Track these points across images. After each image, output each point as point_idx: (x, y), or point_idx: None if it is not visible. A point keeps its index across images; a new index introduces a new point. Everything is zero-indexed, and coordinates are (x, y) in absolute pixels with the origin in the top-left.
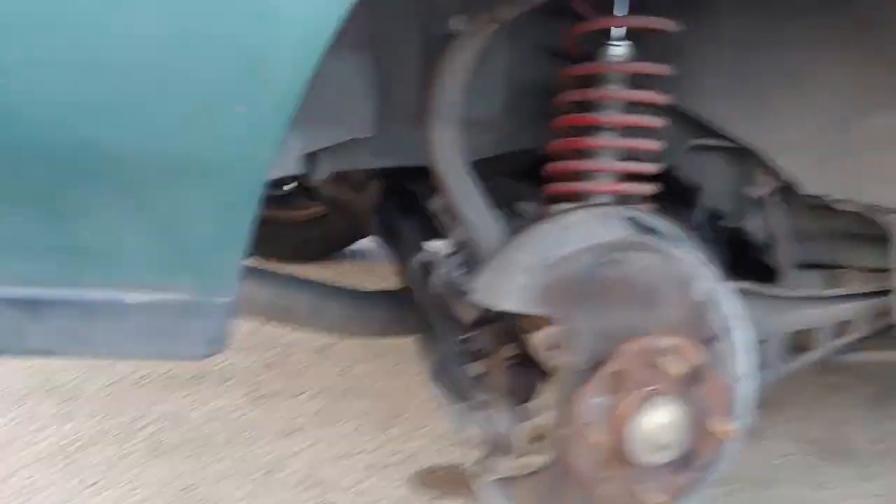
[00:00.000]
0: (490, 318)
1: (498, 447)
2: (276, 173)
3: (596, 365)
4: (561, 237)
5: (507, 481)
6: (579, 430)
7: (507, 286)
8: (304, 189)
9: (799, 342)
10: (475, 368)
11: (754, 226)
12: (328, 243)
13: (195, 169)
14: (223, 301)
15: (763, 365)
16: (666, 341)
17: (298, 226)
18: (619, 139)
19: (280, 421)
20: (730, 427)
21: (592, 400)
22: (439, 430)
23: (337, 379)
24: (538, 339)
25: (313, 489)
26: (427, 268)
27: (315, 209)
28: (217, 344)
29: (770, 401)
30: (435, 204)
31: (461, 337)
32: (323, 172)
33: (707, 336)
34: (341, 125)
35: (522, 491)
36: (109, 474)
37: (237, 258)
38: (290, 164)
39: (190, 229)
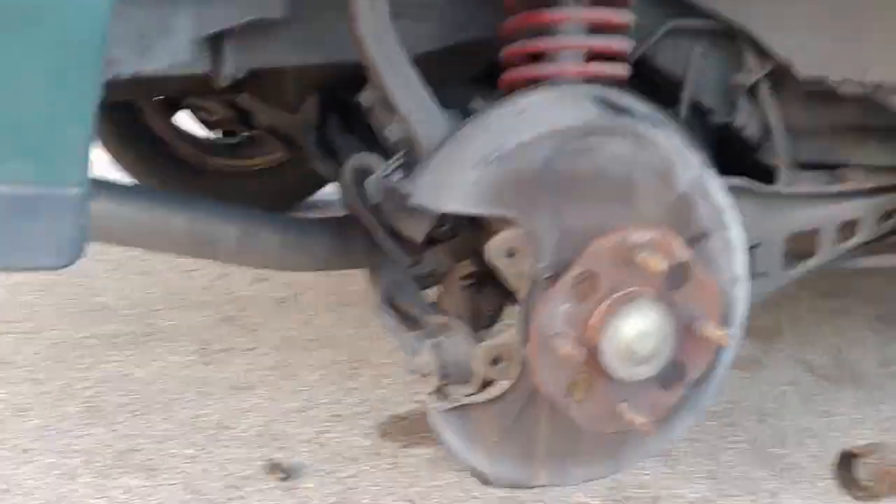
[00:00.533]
0: (442, 235)
1: (455, 374)
2: (164, 60)
3: (563, 270)
4: (516, 123)
5: (465, 410)
6: (546, 344)
7: (454, 184)
8: (253, 138)
9: (800, 247)
10: (428, 292)
11: (746, 120)
12: (288, 193)
13: (22, 15)
14: (71, 194)
15: (760, 272)
16: (642, 235)
17: (252, 176)
18: (586, 10)
19: (234, 376)
20: (723, 333)
21: (560, 308)
22: (407, 377)
23: (297, 331)
24: (494, 246)
25: (270, 444)
26: (361, 176)
27: (270, 157)
28: (72, 249)
29: (769, 327)
30: (366, 97)
31: (411, 258)
32: (230, 68)
33: (695, 233)
34: (242, 1)
35: (483, 420)
36: (45, 439)
37: (83, 139)
38: (180, 50)
39: (20, 100)
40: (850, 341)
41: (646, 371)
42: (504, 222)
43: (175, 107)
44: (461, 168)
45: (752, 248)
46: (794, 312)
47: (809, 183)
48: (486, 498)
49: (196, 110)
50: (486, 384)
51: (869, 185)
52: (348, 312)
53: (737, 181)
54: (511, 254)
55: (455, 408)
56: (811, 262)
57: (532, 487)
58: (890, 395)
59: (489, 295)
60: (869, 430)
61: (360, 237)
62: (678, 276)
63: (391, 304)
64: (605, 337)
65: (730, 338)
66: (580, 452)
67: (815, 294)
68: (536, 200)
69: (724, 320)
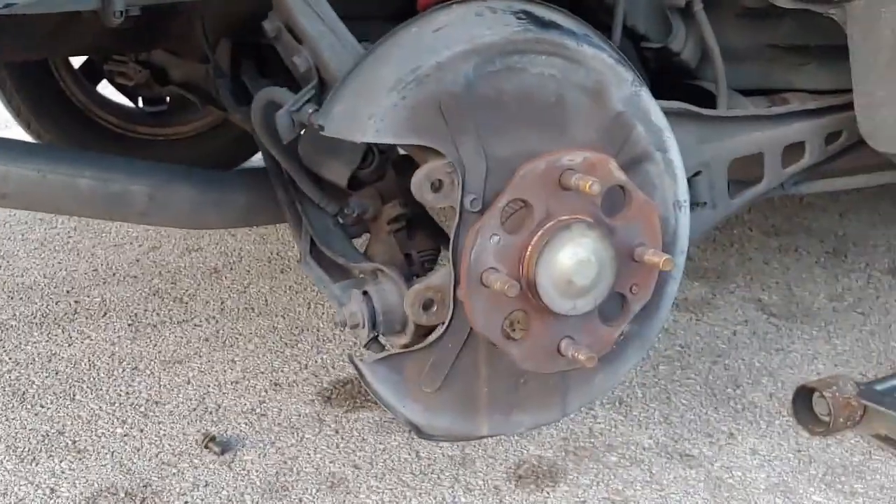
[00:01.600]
0: (368, 177)
1: (387, 323)
2: None
3: (493, 199)
4: (433, 42)
5: (395, 359)
6: (478, 280)
7: (368, 112)
8: (181, 104)
9: (745, 173)
10: (355, 239)
11: (682, 44)
12: (224, 157)
13: None
14: None
15: (705, 201)
16: (575, 157)
17: (184, 144)
18: None
19: (166, 350)
20: (666, 257)
21: (491, 241)
22: (349, 340)
23: (232, 300)
24: (418, 179)
25: (205, 417)
26: (271, 112)
27: (200, 122)
28: None
29: (718, 268)
30: (270, 22)
31: (336, 205)
32: (120, 4)
33: (633, 155)
34: None
35: (416, 369)
36: None
37: None
38: None
39: None
40: (801, 278)
41: (586, 304)
42: (427, 153)
43: (98, 74)
44: (376, 94)
45: (695, 175)
46: (742, 252)
47: (750, 107)
48: (435, 458)
49: (114, 77)
50: (423, 334)
51: (812, 105)
52: (285, 279)
53: (674, 104)
54: (437, 187)
55: (384, 358)
56: (758, 188)
57: (475, 439)
58: (842, 329)
59: (421, 239)
60: (823, 366)
61: (281, 189)
62: (616, 200)
63: (317, 255)
64: (541, 268)
65: (674, 266)
66: (524, 399)
67: (763, 233)
68: (459, 127)
69: (668, 248)
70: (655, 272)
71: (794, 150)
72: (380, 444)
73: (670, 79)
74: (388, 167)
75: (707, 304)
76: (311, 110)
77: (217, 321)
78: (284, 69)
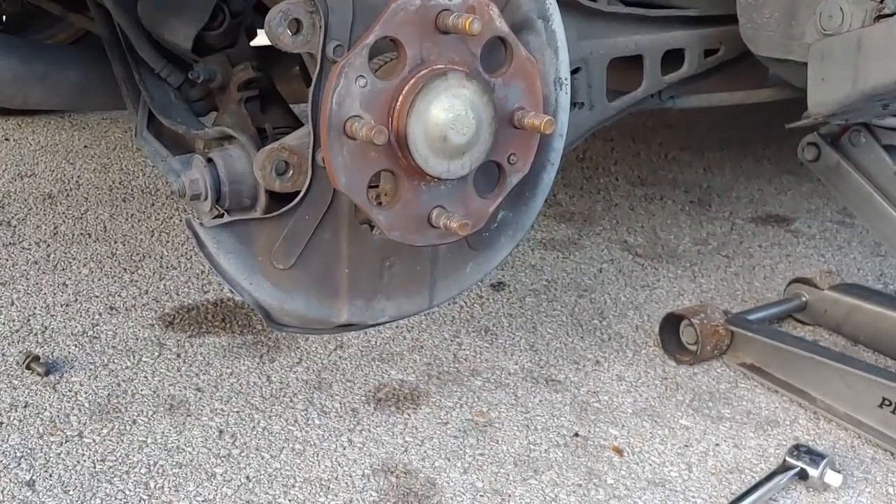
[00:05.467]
0: (217, 41)
1: (234, 193)
2: None
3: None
4: None
5: (242, 226)
6: (341, 129)
7: None
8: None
9: (624, 78)
10: (202, 118)
11: None
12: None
13: None
14: None
15: (583, 101)
16: None
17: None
18: None
19: None
20: (547, 119)
21: (355, 85)
22: (196, 267)
23: (67, 226)
24: (273, 16)
25: (31, 338)
26: None
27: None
28: None
29: (584, 212)
30: None
31: (178, 75)
32: None
33: (514, 19)
34: None
35: (267, 240)
36: None
37: None
38: None
39: None
40: (666, 224)
41: (461, 167)
42: None
43: None
44: None
45: (574, 73)
46: (609, 199)
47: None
48: (288, 382)
49: None
50: (276, 209)
51: (693, 12)
52: (127, 207)
53: None
54: (296, 28)
55: (228, 223)
56: (636, 93)
57: (332, 328)
58: (706, 269)
59: (277, 114)
60: (689, 302)
61: (118, 62)
62: (495, 58)
63: (156, 130)
64: (413, 120)
65: (551, 124)
66: (389, 284)
67: (630, 183)
68: None
69: (547, 108)
70: (535, 141)
71: (674, 62)
72: (227, 368)
73: None
74: (240, 32)
75: (574, 244)
76: None
77: (48, 245)
78: None
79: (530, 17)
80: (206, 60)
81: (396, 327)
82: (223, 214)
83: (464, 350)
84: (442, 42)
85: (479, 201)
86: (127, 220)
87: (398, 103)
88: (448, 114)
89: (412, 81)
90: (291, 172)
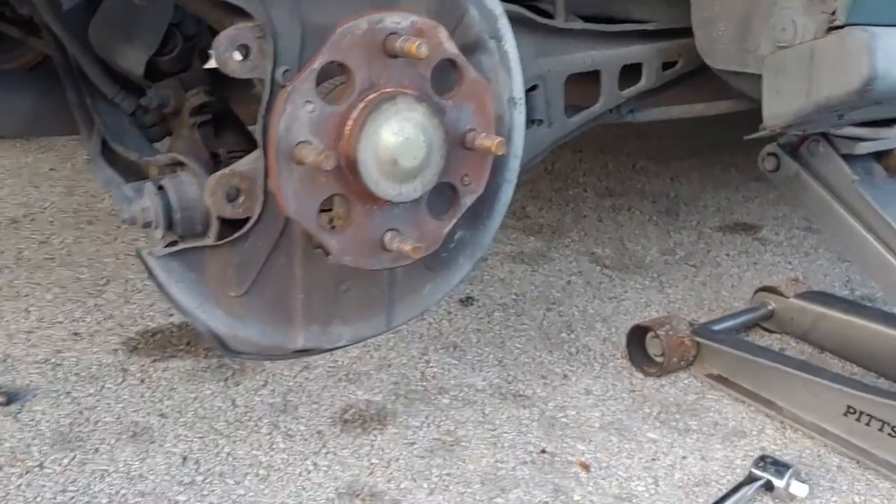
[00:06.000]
0: (170, 66)
1: (186, 221)
2: None
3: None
4: None
5: (194, 255)
6: (289, 154)
7: None
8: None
9: (583, 93)
10: (156, 143)
11: None
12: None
13: None
14: None
15: (541, 118)
16: (402, 20)
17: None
18: None
19: None
20: (498, 140)
21: (304, 110)
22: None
23: (31, 251)
24: (220, 42)
25: None
26: None
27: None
28: None
29: (554, 225)
30: None
31: (131, 100)
32: None
33: (468, 40)
34: None
35: (220, 268)
36: None
37: None
38: None
39: None
40: (634, 234)
41: (413, 190)
42: (233, 13)
43: None
44: None
45: (531, 90)
46: (577, 210)
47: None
48: (253, 405)
49: None
50: (229, 235)
51: (650, 26)
52: (93, 230)
53: (512, 7)
54: (244, 53)
55: (179, 251)
56: (594, 109)
57: (289, 354)
58: (674, 279)
59: (231, 138)
60: (656, 312)
61: (71, 87)
62: (446, 80)
63: (109, 157)
64: (363, 144)
65: (507, 149)
66: (346, 308)
67: (598, 194)
68: None
69: (499, 129)
70: (488, 162)
71: (632, 76)
72: (191, 392)
73: None
74: (193, 56)
75: (542, 257)
76: None
77: (11, 271)
78: None
79: (482, 38)
80: (158, 86)
81: (364, 346)
82: (177, 241)
83: (432, 367)
84: (391, 65)
85: (434, 223)
86: (92, 243)
87: (347, 128)
88: (398, 137)
89: (361, 105)
90: (243, 198)
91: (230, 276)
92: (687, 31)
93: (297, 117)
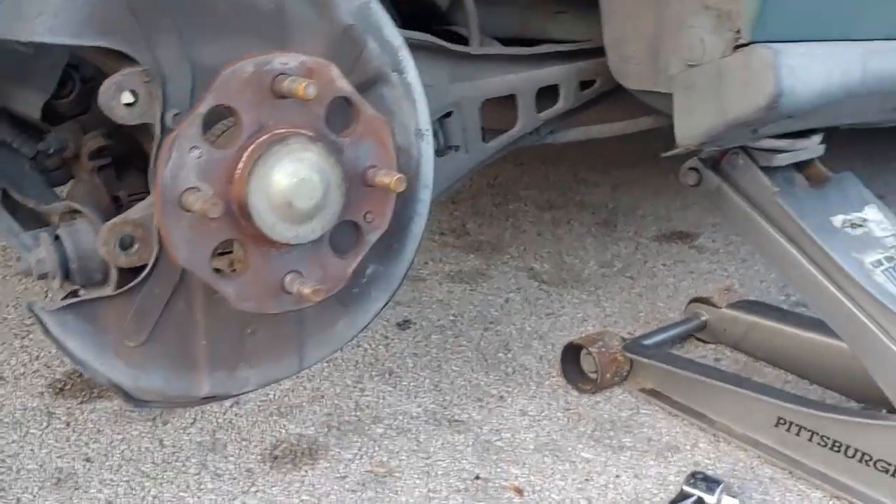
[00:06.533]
0: (69, 109)
1: (83, 270)
2: None
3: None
4: None
5: (86, 307)
6: (177, 202)
7: (38, 5)
8: None
9: (501, 116)
10: (60, 187)
11: None
12: None
13: None
14: None
15: (456, 145)
16: (290, 60)
17: None
18: None
19: None
20: (397, 177)
21: (191, 154)
22: None
23: None
24: (106, 88)
25: None
26: None
27: None
28: None
29: (493, 241)
30: None
31: (31, 145)
32: None
33: (368, 76)
34: None
35: (115, 318)
36: None
37: None
38: None
39: None
40: (572, 247)
41: (311, 232)
42: (120, 59)
43: None
44: None
45: (446, 116)
46: (517, 225)
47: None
48: (181, 445)
49: None
50: (128, 282)
51: (565, 47)
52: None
53: (421, 36)
54: (131, 99)
55: (72, 304)
56: (512, 132)
57: (195, 401)
58: (611, 292)
59: (134, 180)
60: (593, 327)
61: None
62: (343, 115)
63: (11, 205)
64: (254, 188)
65: (405, 185)
66: (253, 352)
67: (538, 207)
68: (155, 27)
69: (411, 182)
70: (391, 198)
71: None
72: (118, 434)
73: (421, 24)
74: (93, 98)
75: (481, 275)
76: None
77: None
78: None
79: (383, 71)
80: (57, 129)
81: (297, 378)
82: (77, 291)
83: (366, 396)
84: (282, 106)
85: (337, 262)
86: (20, 282)
87: (238, 172)
88: (291, 179)
89: (251, 149)
90: (137, 246)
91: (128, 325)
92: (603, 51)
93: (184, 163)
